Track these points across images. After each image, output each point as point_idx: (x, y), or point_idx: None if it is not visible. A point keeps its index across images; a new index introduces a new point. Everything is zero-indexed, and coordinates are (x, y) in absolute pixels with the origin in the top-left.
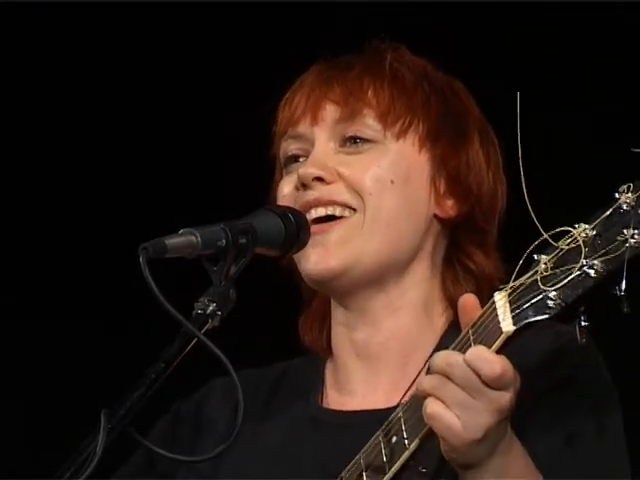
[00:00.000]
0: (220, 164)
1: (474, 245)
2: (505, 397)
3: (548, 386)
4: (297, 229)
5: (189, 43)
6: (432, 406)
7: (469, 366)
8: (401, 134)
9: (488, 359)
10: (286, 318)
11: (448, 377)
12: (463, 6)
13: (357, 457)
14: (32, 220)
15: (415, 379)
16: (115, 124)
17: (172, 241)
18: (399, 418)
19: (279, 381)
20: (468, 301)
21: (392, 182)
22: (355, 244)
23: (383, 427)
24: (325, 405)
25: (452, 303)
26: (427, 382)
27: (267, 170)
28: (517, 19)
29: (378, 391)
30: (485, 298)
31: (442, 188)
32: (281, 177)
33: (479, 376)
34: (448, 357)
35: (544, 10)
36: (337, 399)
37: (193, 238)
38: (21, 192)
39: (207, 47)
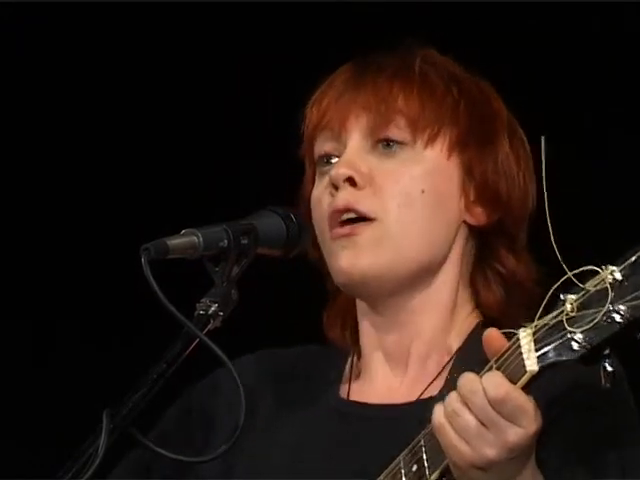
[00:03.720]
0: (220, 165)
1: (505, 249)
2: (517, 433)
3: (567, 411)
4: (299, 230)
5: (189, 43)
6: (440, 417)
7: (486, 394)
8: (430, 141)
9: (508, 390)
10: (288, 318)
11: (467, 403)
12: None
13: None
14: (33, 218)
15: (436, 377)
16: (114, 125)
17: (174, 242)
18: (420, 446)
19: (297, 368)
20: (491, 335)
21: (423, 191)
22: (386, 249)
23: (405, 452)
24: (346, 397)
25: (481, 306)
26: (438, 412)
27: (269, 171)
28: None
29: (400, 385)
30: (515, 302)
31: (472, 195)
32: (312, 176)
33: (494, 407)
34: (472, 383)
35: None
36: (359, 390)
37: (195, 239)
38: (21, 191)
39: (209, 47)
